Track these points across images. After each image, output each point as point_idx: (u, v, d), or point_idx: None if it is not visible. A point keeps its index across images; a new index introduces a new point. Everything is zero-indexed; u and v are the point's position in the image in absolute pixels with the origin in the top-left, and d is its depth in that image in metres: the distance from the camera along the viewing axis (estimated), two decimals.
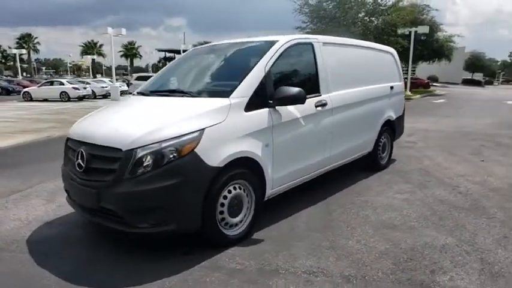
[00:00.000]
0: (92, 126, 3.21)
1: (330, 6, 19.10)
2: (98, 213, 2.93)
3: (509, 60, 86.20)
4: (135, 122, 3.06)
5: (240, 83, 3.22)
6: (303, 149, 3.75)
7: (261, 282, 2.57)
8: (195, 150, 2.73)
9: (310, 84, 3.88)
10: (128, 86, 27.29)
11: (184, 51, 22.77)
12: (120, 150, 2.71)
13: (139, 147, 2.67)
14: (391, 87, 5.52)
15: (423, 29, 20.83)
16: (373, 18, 18.23)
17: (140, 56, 57.71)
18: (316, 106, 3.82)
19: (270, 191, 3.42)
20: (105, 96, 24.30)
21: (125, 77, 46.98)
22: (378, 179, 5.08)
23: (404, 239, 3.21)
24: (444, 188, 4.65)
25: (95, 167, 2.86)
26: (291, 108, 3.46)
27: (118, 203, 2.73)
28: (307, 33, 20.22)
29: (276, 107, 3.33)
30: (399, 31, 18.70)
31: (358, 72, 4.77)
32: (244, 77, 3.26)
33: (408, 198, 4.28)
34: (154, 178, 2.65)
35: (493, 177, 5.08)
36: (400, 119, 5.96)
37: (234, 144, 2.99)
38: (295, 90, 3.25)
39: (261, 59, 3.41)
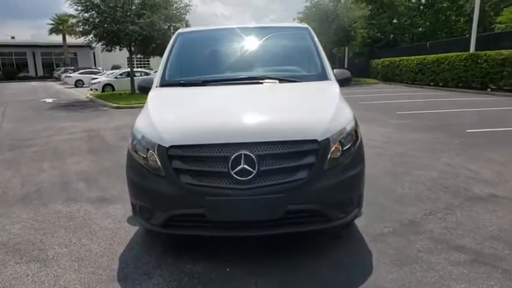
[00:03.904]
0: (233, 124, 2.51)
1: None
2: (280, 222, 2.47)
3: None
4: (296, 110, 2.70)
5: (323, 66, 3.37)
6: None
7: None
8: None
9: None
10: None
11: None
12: (316, 141, 2.44)
13: (332, 135, 2.50)
14: None
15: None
16: (151, 13, 18.16)
17: None
18: None
19: None
20: None
21: None
22: None
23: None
24: None
25: (273, 169, 2.40)
26: None
27: (322, 198, 2.46)
28: (80, 22, 18.02)
29: None
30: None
31: None
32: (321, 61, 3.43)
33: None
34: (349, 164, 2.57)
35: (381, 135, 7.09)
36: None
37: None
38: (348, 71, 3.68)
39: (312, 43, 3.63)
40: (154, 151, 2.51)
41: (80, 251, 2.95)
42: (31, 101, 17.80)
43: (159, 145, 2.49)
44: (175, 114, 2.81)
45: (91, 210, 3.78)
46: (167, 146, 2.47)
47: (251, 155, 2.36)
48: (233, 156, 2.36)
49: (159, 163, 2.49)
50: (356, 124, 2.76)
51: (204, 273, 2.57)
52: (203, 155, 2.43)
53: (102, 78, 22.90)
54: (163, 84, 3.37)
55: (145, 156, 2.57)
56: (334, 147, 2.50)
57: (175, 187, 2.44)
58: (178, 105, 2.97)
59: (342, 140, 2.56)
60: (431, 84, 19.52)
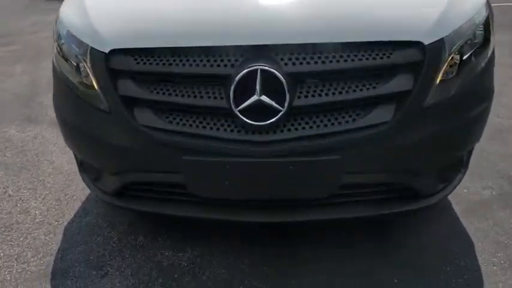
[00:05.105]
0: (238, 4, 1.22)
1: None
2: (329, 202, 1.33)
3: None
4: None
5: None
6: None
7: None
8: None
9: None
10: None
11: None
12: (419, 45, 1.13)
13: (449, 35, 1.18)
14: None
15: None
16: None
17: None
18: None
19: None
20: None
21: None
22: None
23: None
24: None
25: (322, 104, 1.16)
26: None
27: (413, 161, 1.26)
28: None
29: None
30: None
31: None
32: None
33: None
34: (471, 95, 1.29)
35: None
36: None
37: None
38: None
39: None
40: (86, 60, 1.28)
41: (12, 212, 1.95)
42: None
43: (92, 49, 1.25)
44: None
45: (49, 139, 2.72)
46: (106, 50, 1.23)
47: (277, 73, 1.10)
48: (239, 76, 1.11)
49: (95, 84, 1.28)
50: (490, 14, 1.38)
51: (190, 271, 1.55)
52: (178, 71, 1.18)
53: None
54: None
55: (76, 65, 1.35)
56: (450, 58, 1.19)
57: (126, 133, 1.26)
58: None
59: (465, 46, 1.23)
60: None
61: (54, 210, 1.95)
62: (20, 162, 2.43)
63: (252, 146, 1.17)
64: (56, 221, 1.87)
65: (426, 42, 1.13)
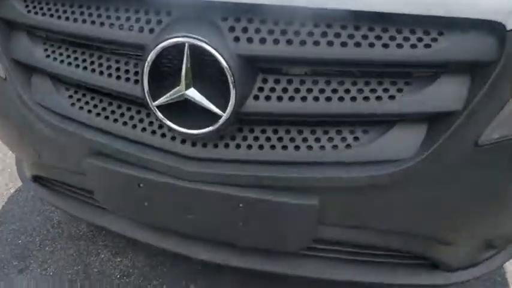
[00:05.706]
0: None
1: None
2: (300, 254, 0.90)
3: None
4: None
5: None
6: None
7: None
8: None
9: None
10: None
11: None
12: (496, 27, 0.60)
13: None
14: None
15: None
16: None
17: None
18: None
19: None
20: None
21: None
22: None
23: None
24: None
25: (298, 113, 0.68)
26: None
27: (448, 225, 0.78)
28: None
29: None
30: None
31: None
32: None
33: None
34: None
35: None
36: None
37: None
38: None
39: None
40: None
41: None
42: None
43: None
44: None
45: None
46: None
47: (216, 53, 0.63)
48: (156, 50, 0.65)
49: None
50: None
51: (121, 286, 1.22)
52: (78, 31, 0.75)
53: None
54: None
55: None
56: None
57: (18, 109, 0.88)
58: None
59: None
60: None
61: (8, 171, 1.69)
62: None
63: (176, 161, 0.75)
64: (5, 185, 1.61)
65: (509, 26, 0.59)
